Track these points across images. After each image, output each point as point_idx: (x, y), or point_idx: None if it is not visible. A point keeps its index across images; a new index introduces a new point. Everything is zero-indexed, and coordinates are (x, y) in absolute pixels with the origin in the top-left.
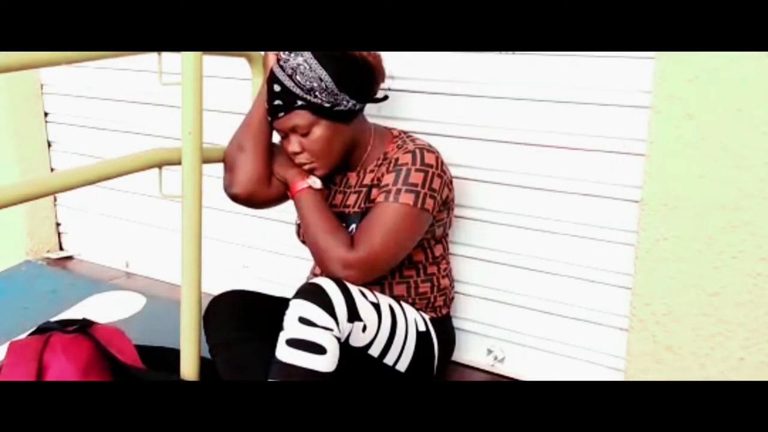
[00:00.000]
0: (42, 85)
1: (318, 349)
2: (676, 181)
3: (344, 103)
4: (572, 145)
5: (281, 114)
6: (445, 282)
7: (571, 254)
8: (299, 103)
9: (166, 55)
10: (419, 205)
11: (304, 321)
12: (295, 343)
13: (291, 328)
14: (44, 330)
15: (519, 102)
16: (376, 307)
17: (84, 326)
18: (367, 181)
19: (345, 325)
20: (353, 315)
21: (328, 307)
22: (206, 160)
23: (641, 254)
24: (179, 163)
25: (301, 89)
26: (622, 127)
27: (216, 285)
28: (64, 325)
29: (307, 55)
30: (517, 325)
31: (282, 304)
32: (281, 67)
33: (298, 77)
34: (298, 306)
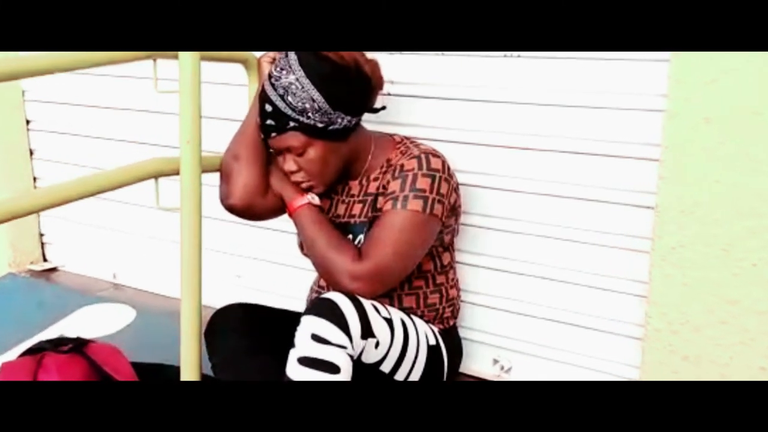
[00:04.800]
0: (23, 92)
1: (332, 369)
2: (692, 187)
3: (339, 121)
4: (582, 150)
5: (274, 134)
6: (453, 292)
7: (582, 262)
8: (292, 124)
9: (160, 61)
10: (428, 210)
11: (317, 338)
12: (307, 362)
13: (303, 345)
14: (37, 350)
15: (526, 106)
16: (389, 322)
17: (79, 345)
18: (371, 189)
19: (358, 342)
20: (367, 331)
21: (342, 323)
22: (205, 170)
23: (657, 262)
24: (177, 173)
25: (293, 110)
26: (635, 131)
27: (211, 296)
28: (57, 345)
29: (299, 73)
30: (525, 335)
31: (288, 317)
32: (272, 85)
33: (289, 98)
34: (310, 322)
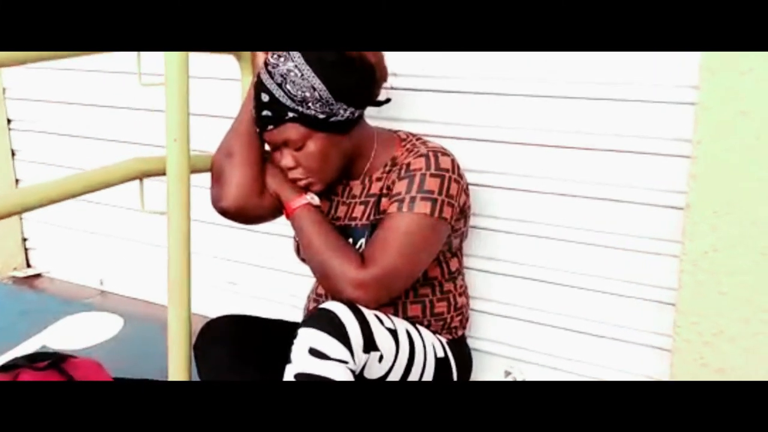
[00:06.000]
0: (4, 90)
1: None
2: (727, 185)
3: (341, 112)
4: (604, 147)
5: (271, 126)
6: (461, 300)
7: (603, 267)
8: (290, 115)
9: (144, 52)
10: (437, 213)
11: (315, 353)
12: (305, 379)
13: (300, 360)
14: (11, 367)
15: (542, 99)
16: (394, 333)
17: (57, 362)
18: (374, 190)
19: (360, 357)
20: (369, 344)
21: (342, 336)
22: (193, 170)
23: (687, 267)
24: (163, 173)
25: (292, 100)
26: (664, 125)
27: (203, 305)
28: (33, 361)
29: (298, 59)
30: (539, 345)
31: (283, 329)
32: (269, 73)
33: (288, 86)
34: (307, 335)
